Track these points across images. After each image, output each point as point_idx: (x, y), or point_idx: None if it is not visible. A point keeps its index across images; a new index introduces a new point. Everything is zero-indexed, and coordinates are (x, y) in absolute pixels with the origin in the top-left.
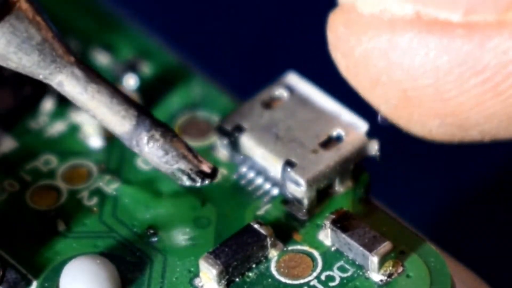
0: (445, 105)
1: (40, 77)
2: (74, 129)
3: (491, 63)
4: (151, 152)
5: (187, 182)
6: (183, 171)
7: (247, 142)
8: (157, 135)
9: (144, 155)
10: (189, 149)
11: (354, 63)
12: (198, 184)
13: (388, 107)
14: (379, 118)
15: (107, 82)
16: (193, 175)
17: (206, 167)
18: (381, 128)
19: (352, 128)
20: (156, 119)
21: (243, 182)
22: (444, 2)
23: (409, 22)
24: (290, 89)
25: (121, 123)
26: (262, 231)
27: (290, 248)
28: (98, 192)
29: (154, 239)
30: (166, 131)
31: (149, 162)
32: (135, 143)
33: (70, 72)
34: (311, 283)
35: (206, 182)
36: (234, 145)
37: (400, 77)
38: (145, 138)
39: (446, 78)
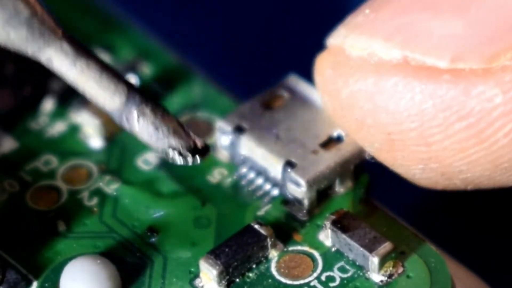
0: (429, 149)
1: (29, 53)
2: (74, 129)
3: (476, 109)
4: (142, 128)
5: (178, 160)
6: (174, 148)
7: (247, 142)
8: (147, 110)
9: (134, 132)
10: (180, 125)
11: (341, 105)
12: (190, 161)
13: (374, 149)
14: (367, 155)
15: (97, 57)
16: (184, 152)
17: (197, 142)
18: (370, 164)
19: None
20: (146, 95)
21: (243, 182)
22: (431, 49)
23: (396, 67)
24: (291, 90)
25: (111, 98)
26: (263, 231)
27: (290, 248)
28: (98, 193)
29: (154, 239)
30: (157, 106)
31: (149, 162)
32: (125, 119)
33: (59, 47)
34: (312, 284)
35: (198, 159)
36: (235, 146)
37: (385, 120)
38: (135, 114)
39: (431, 123)
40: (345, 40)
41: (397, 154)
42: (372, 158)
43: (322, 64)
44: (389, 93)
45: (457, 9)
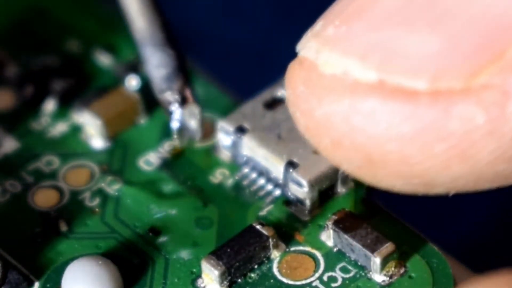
0: (411, 169)
1: None
2: (76, 129)
3: (457, 129)
4: (155, 57)
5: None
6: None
7: (249, 142)
8: (170, 51)
9: (145, 57)
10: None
11: (315, 124)
12: (174, 107)
13: (351, 168)
14: (340, 172)
15: None
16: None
17: (187, 94)
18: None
19: None
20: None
21: (245, 182)
22: (408, 70)
23: (372, 88)
24: None
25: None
26: (264, 231)
27: (292, 248)
28: (100, 193)
29: (156, 239)
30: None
31: (151, 163)
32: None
33: None
34: (313, 284)
35: (178, 109)
36: (236, 146)
37: (364, 142)
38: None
39: (411, 145)
40: (318, 56)
41: (377, 172)
42: (344, 185)
43: (294, 78)
44: (366, 115)
45: (433, 23)
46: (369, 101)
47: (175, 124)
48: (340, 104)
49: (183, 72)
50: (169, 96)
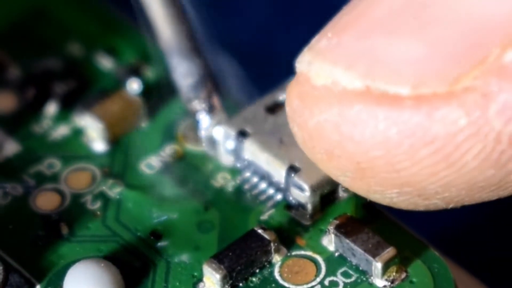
0: (399, 175)
1: None
2: (77, 133)
3: (441, 133)
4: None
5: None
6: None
7: (251, 146)
8: (197, 60)
9: (172, 67)
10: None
11: (309, 135)
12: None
13: (346, 179)
14: (340, 187)
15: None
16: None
17: (215, 102)
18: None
19: None
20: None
21: (246, 187)
22: (392, 76)
23: (358, 95)
24: None
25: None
26: (266, 236)
27: (293, 253)
28: (101, 196)
29: (158, 243)
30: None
31: (152, 166)
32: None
33: None
34: None
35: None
36: (238, 150)
37: (352, 149)
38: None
39: (397, 150)
40: (310, 68)
41: (369, 180)
42: (345, 190)
43: (291, 94)
44: (353, 122)
45: (417, 29)
46: (355, 108)
47: (203, 133)
48: (329, 113)
49: (210, 81)
50: (197, 105)
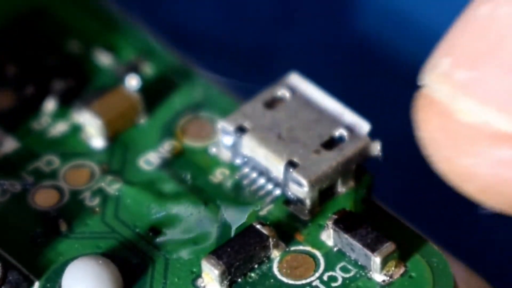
0: None
1: None
2: (76, 129)
3: None
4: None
5: None
6: None
7: (249, 142)
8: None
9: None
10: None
11: (457, 173)
12: None
13: (501, 207)
14: (479, 209)
15: None
16: None
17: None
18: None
19: (355, 128)
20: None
21: (245, 182)
22: None
23: None
24: (293, 89)
25: None
26: (265, 231)
27: (292, 248)
28: (100, 193)
29: (156, 239)
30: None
31: (151, 163)
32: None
33: None
34: (314, 284)
35: None
36: (237, 146)
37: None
38: None
39: None
40: (453, 101)
41: None
42: (486, 210)
43: (429, 121)
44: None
45: None
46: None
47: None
48: (485, 156)
49: None
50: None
